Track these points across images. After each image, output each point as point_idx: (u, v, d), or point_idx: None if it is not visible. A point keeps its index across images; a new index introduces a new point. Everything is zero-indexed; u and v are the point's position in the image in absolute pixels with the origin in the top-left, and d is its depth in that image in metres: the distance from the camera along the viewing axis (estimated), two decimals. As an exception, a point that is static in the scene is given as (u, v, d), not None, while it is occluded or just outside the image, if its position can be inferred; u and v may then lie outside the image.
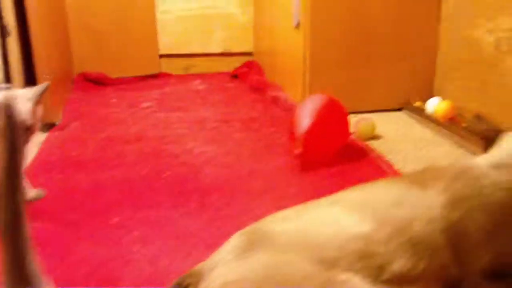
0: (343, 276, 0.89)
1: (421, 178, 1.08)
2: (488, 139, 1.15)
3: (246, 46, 3.26)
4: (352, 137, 2.00)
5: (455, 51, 2.25)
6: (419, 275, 0.97)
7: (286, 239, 0.91)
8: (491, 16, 1.99)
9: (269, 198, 1.51)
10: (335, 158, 1.78)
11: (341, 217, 0.99)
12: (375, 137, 2.03)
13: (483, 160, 1.09)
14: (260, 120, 2.25)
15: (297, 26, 2.28)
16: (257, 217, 0.95)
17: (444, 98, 2.23)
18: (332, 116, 1.77)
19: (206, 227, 1.32)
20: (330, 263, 0.90)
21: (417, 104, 2.34)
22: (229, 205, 1.45)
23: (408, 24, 2.33)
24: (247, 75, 3.01)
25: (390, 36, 2.32)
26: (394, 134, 2.08)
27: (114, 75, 3.06)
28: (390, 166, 1.72)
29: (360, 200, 1.04)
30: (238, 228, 0.91)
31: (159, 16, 3.14)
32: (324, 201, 1.08)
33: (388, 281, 0.94)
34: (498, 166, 1.07)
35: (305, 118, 1.74)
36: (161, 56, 3.21)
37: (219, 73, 3.22)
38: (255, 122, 2.24)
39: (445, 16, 2.31)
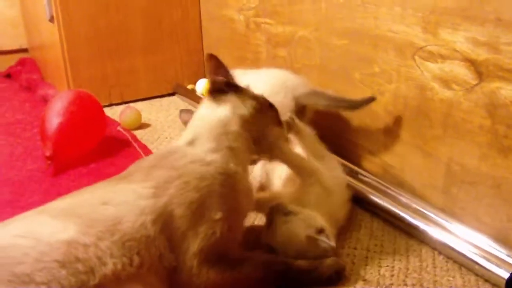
0: (36, 290, 0.85)
1: (127, 174, 1.07)
2: None
3: (18, 42, 3.02)
4: (119, 128, 1.95)
5: (216, 31, 2.30)
6: (136, 271, 0.96)
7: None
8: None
9: (14, 207, 1.41)
10: (94, 153, 1.72)
11: (44, 226, 0.94)
12: (143, 126, 2.00)
13: (180, 141, 1.11)
14: (24, 122, 2.10)
15: (51, 20, 2.15)
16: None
17: (212, 78, 2.27)
18: (84, 111, 1.69)
19: None
20: (22, 280, 0.85)
21: (190, 87, 2.36)
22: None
23: (167, 11, 2.32)
24: (20, 73, 2.79)
25: (150, 24, 2.29)
26: (164, 121, 2.07)
27: None
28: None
29: (66, 206, 1.00)
30: None
31: None
32: (33, 211, 1.02)
33: (100, 285, 0.91)
34: (191, 141, 1.09)
35: (53, 117, 1.65)
36: None
37: (-9, 74, 2.95)
38: (18, 124, 2.08)
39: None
